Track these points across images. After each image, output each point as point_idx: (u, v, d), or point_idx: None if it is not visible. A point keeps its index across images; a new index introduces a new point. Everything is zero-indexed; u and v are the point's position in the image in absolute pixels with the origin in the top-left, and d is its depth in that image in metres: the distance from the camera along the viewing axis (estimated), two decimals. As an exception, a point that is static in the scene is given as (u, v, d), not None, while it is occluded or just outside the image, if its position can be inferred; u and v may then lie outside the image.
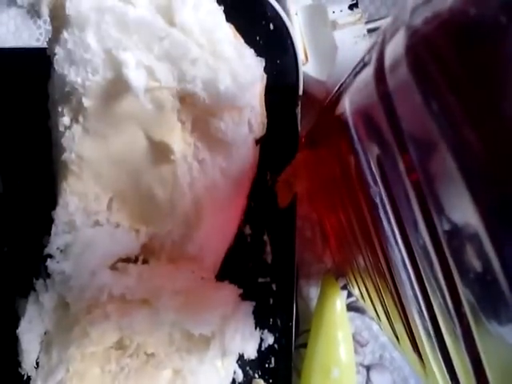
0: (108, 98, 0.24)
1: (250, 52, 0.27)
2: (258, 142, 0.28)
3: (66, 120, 0.25)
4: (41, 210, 0.27)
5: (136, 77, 0.23)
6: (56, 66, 0.24)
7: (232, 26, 0.27)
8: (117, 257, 0.27)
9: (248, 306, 0.29)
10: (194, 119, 0.26)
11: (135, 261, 0.28)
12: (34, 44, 0.35)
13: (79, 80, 0.24)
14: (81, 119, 0.25)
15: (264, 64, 0.28)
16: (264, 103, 0.28)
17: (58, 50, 0.24)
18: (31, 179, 0.29)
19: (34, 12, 0.34)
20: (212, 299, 0.27)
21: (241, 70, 0.25)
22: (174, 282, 0.27)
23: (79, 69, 0.23)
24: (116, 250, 0.27)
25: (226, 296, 0.28)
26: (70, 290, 0.26)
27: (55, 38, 0.24)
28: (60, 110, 0.25)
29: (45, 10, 0.25)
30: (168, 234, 0.28)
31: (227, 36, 0.26)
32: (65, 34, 0.23)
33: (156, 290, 0.27)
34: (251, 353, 0.29)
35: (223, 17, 0.26)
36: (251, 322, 0.29)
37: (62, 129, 0.25)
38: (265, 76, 0.28)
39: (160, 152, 0.26)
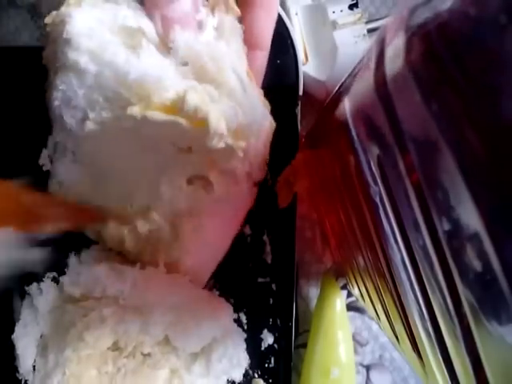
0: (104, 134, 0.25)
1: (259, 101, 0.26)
2: (256, 184, 0.28)
3: (51, 149, 0.27)
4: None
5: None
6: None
7: (250, 71, 0.26)
8: None
9: (239, 334, 0.29)
10: None
11: (133, 264, 0.28)
12: (34, 44, 0.35)
13: (73, 123, 0.25)
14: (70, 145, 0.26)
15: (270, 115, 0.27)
16: (268, 151, 0.27)
17: (54, 94, 0.24)
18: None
19: (34, 12, 0.34)
20: (204, 320, 0.27)
21: (246, 107, 0.24)
22: (168, 297, 0.27)
23: (73, 112, 0.25)
24: None
25: (219, 318, 0.28)
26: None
27: (52, 61, 0.25)
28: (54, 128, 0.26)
29: (45, 10, 0.25)
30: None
31: (241, 78, 0.25)
32: (58, 83, 0.24)
33: (149, 303, 0.27)
34: (237, 377, 0.29)
35: (245, 60, 0.26)
36: (241, 348, 0.29)
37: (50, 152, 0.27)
38: (273, 124, 0.27)
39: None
